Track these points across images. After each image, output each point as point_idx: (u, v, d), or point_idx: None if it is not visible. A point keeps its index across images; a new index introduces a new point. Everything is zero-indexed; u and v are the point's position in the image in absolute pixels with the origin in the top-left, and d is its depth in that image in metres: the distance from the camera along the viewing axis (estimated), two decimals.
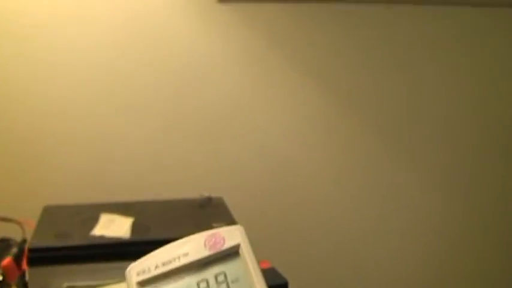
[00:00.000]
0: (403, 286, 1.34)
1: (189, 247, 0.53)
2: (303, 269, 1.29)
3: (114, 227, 0.82)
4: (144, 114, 1.17)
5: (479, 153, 1.32)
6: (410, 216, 1.32)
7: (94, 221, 0.86)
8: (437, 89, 1.28)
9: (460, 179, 1.33)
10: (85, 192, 1.16)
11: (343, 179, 1.28)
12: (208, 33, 1.16)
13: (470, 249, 1.36)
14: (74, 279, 0.76)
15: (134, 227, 0.84)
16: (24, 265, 0.78)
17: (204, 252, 0.52)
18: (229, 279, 0.51)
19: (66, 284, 0.76)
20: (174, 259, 0.52)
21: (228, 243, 0.52)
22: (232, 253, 0.52)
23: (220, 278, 0.51)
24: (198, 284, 0.51)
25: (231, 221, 0.86)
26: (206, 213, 0.91)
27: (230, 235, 0.53)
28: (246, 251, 0.52)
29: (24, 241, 0.86)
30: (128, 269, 0.53)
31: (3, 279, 0.78)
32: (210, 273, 0.51)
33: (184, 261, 0.52)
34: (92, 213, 0.89)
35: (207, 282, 0.51)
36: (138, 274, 0.52)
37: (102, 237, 0.80)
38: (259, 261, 0.52)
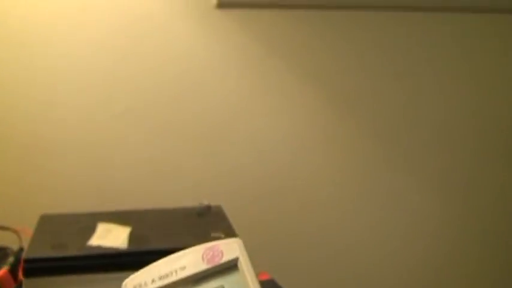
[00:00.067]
0: None
1: (187, 260, 0.52)
2: (302, 273, 1.29)
3: (111, 236, 0.81)
4: (142, 120, 1.16)
5: (477, 158, 1.33)
6: (409, 220, 1.32)
7: (91, 230, 0.85)
8: (435, 94, 1.28)
9: (458, 182, 1.33)
10: (83, 198, 1.15)
11: (342, 183, 1.28)
12: (207, 39, 1.16)
13: (468, 253, 1.36)
14: None
15: (131, 237, 0.83)
16: (21, 276, 0.77)
17: (202, 266, 0.51)
18: None
19: None
20: (171, 273, 0.51)
21: (227, 257, 0.51)
22: (230, 267, 0.51)
23: None
24: None
25: (229, 231, 0.85)
26: (205, 222, 0.90)
27: (228, 248, 0.52)
28: (244, 264, 0.51)
29: (21, 250, 0.86)
30: (124, 283, 0.52)
31: None
32: (207, 287, 0.50)
33: (181, 275, 0.51)
34: (88, 222, 0.88)
35: None
36: None
37: (99, 247, 0.79)
38: (258, 273, 0.51)
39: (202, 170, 1.21)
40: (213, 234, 0.81)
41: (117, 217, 0.90)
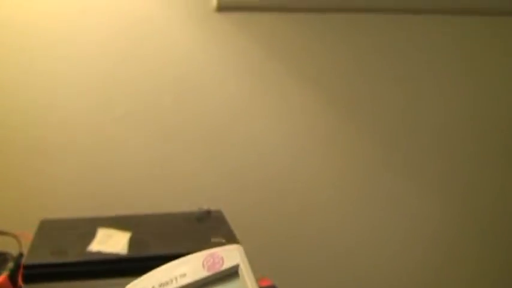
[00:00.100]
0: None
1: (187, 268, 0.51)
2: (302, 276, 1.29)
3: (111, 242, 0.81)
4: (142, 123, 1.16)
5: (476, 161, 1.33)
6: (409, 223, 1.32)
7: (91, 235, 0.84)
8: (434, 98, 1.28)
9: (457, 186, 1.33)
10: (83, 202, 1.15)
11: (341, 187, 1.27)
12: (207, 42, 1.16)
13: (468, 255, 1.37)
14: None
15: (131, 242, 0.82)
16: (20, 282, 0.77)
17: (202, 273, 0.51)
18: None
19: None
20: (172, 280, 0.51)
21: (227, 264, 0.51)
22: (231, 274, 0.51)
23: None
24: None
25: (230, 236, 0.84)
26: (205, 227, 0.90)
27: (229, 255, 0.52)
28: (245, 271, 0.51)
29: (20, 255, 0.85)
30: None
31: None
32: None
33: (181, 282, 0.51)
34: (88, 227, 0.87)
35: None
36: None
37: (99, 253, 0.79)
38: (259, 279, 0.51)
39: (203, 172, 1.20)
40: (213, 239, 0.81)
41: (117, 222, 0.90)
